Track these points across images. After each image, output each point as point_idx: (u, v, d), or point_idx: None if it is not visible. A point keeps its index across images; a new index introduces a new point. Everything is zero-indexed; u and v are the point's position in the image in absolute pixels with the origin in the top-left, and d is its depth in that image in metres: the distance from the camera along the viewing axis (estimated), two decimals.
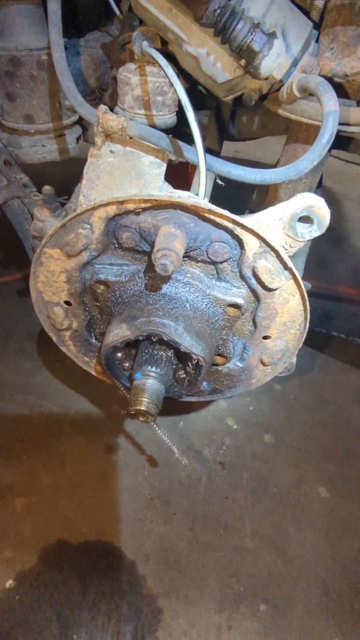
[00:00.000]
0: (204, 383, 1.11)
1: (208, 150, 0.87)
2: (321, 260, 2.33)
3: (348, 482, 1.51)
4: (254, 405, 1.70)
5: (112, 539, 1.32)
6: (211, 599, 1.24)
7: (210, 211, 0.79)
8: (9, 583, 1.21)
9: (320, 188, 1.65)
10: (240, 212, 0.86)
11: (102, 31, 1.45)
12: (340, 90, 1.05)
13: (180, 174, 1.23)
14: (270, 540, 1.36)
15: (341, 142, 1.33)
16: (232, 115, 1.49)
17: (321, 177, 1.65)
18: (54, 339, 1.14)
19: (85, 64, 1.31)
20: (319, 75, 0.94)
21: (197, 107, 1.55)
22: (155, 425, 0.96)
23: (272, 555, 1.33)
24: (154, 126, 0.97)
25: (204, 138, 0.83)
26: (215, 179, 1.15)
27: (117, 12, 1.27)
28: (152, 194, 0.78)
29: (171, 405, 1.66)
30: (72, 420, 1.59)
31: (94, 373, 1.22)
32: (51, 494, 1.39)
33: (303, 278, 1.41)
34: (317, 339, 1.86)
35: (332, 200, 2.88)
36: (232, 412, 1.67)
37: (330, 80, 0.93)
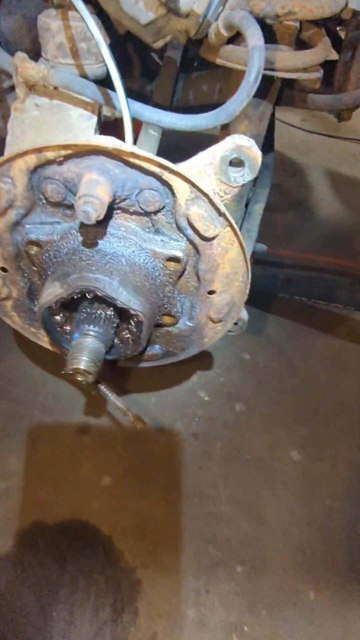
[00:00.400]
0: (156, 346, 1.09)
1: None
2: (288, 230, 2.32)
3: (318, 443, 1.51)
4: (225, 376, 1.69)
5: (88, 517, 1.31)
6: (189, 566, 1.24)
7: (133, 154, 0.75)
8: None
9: (272, 152, 1.61)
10: None
11: None
12: (274, 36, 1.02)
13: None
14: (245, 505, 1.36)
15: (283, 97, 1.30)
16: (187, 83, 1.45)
17: (272, 140, 1.61)
18: None
19: (17, 23, 1.23)
20: None
21: (150, 75, 1.51)
22: (101, 386, 0.93)
23: (248, 519, 1.33)
24: (83, 77, 0.92)
25: (123, 79, 0.79)
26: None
27: None
28: (70, 140, 0.74)
29: (142, 382, 1.65)
30: (41, 403, 1.56)
31: (44, 345, 1.19)
32: (23, 479, 1.37)
33: (258, 240, 1.39)
34: (282, 305, 1.86)
35: (297, 171, 2.86)
36: (204, 384, 1.66)
37: (262, 22, 0.90)
